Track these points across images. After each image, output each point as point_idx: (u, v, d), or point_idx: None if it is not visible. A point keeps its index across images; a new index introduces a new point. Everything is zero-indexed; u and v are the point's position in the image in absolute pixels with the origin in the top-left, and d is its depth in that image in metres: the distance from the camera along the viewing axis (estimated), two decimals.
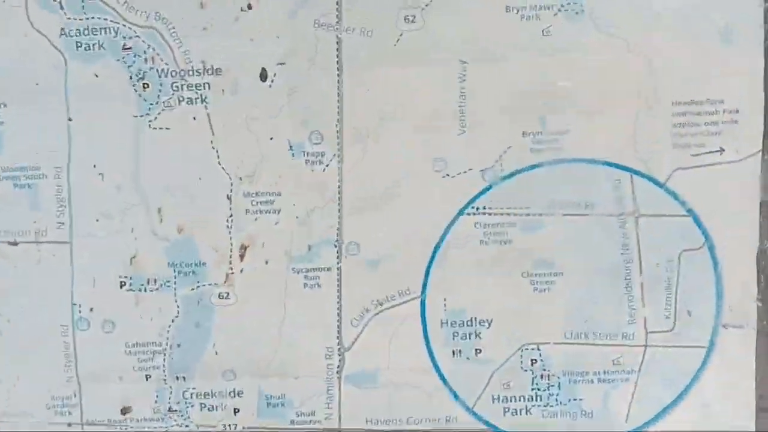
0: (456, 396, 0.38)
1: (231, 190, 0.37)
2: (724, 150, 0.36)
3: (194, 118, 0.36)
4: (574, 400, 0.38)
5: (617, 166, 0.36)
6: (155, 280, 0.37)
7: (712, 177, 0.36)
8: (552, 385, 0.38)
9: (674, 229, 0.37)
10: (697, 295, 0.37)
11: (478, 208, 0.37)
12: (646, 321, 0.37)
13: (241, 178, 0.37)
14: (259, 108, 0.36)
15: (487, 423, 0.39)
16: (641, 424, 0.38)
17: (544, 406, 0.38)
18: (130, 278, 0.37)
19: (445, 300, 0.38)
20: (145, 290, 0.38)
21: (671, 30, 0.35)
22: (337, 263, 0.37)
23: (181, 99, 0.36)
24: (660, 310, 0.37)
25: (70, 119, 0.36)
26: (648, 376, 0.38)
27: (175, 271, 0.37)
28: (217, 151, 0.37)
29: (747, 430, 0.38)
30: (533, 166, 0.36)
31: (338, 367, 0.38)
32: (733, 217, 0.36)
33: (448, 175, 0.37)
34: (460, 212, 0.37)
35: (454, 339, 0.38)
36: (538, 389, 0.38)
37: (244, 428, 0.39)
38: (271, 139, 0.36)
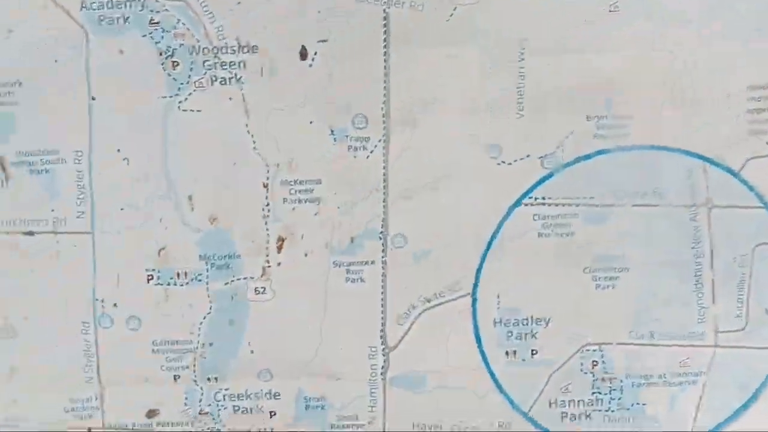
0: (510, 400, 0.43)
1: (267, 178, 0.41)
2: None
3: (230, 99, 0.40)
4: (638, 404, 0.43)
5: (689, 153, 0.40)
6: (185, 274, 0.42)
7: None
8: (614, 389, 0.43)
9: (748, 221, 0.41)
10: None
11: (536, 198, 0.41)
12: (717, 320, 0.42)
13: (278, 165, 0.41)
14: (299, 89, 0.40)
15: (543, 429, 0.43)
16: (709, 430, 0.43)
17: (606, 410, 0.43)
18: (158, 272, 0.41)
19: (498, 297, 0.42)
20: (175, 284, 0.42)
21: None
22: (382, 256, 0.42)
23: (213, 79, 0.40)
24: (731, 308, 0.42)
25: (93, 98, 0.40)
26: (717, 378, 0.42)
27: (207, 264, 0.41)
28: (252, 136, 0.40)
29: None
30: (598, 153, 0.41)
31: (383, 368, 0.43)
32: None
33: (503, 162, 0.41)
34: (517, 202, 0.41)
35: (508, 339, 0.43)
36: (599, 393, 0.43)
37: None
38: (311, 122, 0.40)
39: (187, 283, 0.42)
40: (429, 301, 0.42)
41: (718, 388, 0.43)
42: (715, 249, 0.41)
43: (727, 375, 0.42)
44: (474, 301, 0.42)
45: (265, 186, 0.41)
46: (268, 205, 0.41)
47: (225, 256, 0.41)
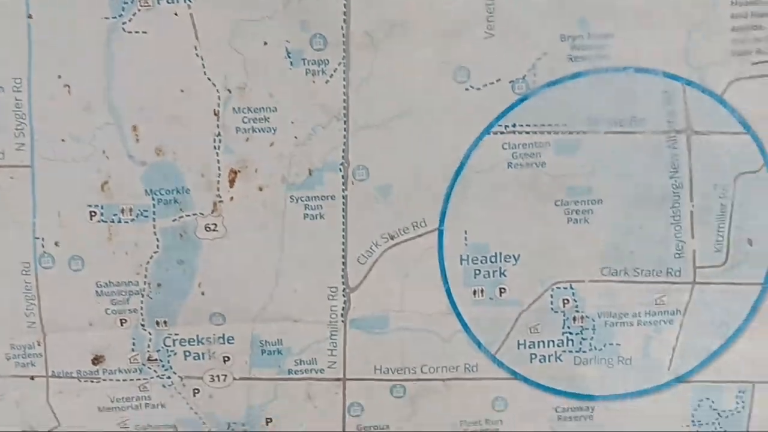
0: (477, 341, 0.41)
1: (218, 105, 0.38)
2: None
3: (176, 14, 0.37)
4: (611, 345, 0.41)
5: (668, 75, 0.38)
6: (130, 210, 0.39)
7: None
8: (586, 329, 0.41)
9: (730, 148, 0.39)
10: (754, 224, 0.39)
11: (506, 126, 0.39)
12: (695, 254, 0.40)
13: (230, 91, 0.38)
14: (252, 7, 0.37)
15: (511, 371, 0.41)
16: (685, 372, 0.41)
17: (577, 352, 0.41)
18: (102, 208, 0.39)
19: (465, 233, 0.40)
20: (119, 221, 0.39)
21: None
22: (343, 191, 0.39)
23: None
24: (711, 242, 0.40)
25: (30, 16, 0.37)
26: (695, 317, 0.40)
27: (153, 199, 0.39)
28: (202, 59, 0.38)
29: None
30: (572, 76, 0.38)
31: (343, 309, 0.40)
32: None
33: (472, 87, 0.38)
34: (486, 131, 0.39)
35: (475, 277, 0.40)
36: (570, 333, 0.41)
37: (235, 378, 0.41)
38: (266, 44, 0.37)
39: (133, 220, 0.39)
40: (392, 238, 0.40)
41: (696, 328, 0.41)
42: (694, 179, 0.39)
43: (705, 314, 0.41)
44: (440, 237, 0.40)
45: (216, 114, 0.38)
46: (219, 135, 0.38)
47: (173, 191, 0.39)
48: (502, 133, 0.39)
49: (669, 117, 0.38)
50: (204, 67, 0.38)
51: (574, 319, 0.41)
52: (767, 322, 0.40)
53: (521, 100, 0.38)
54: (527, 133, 0.39)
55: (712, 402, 0.42)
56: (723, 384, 0.41)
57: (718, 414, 0.42)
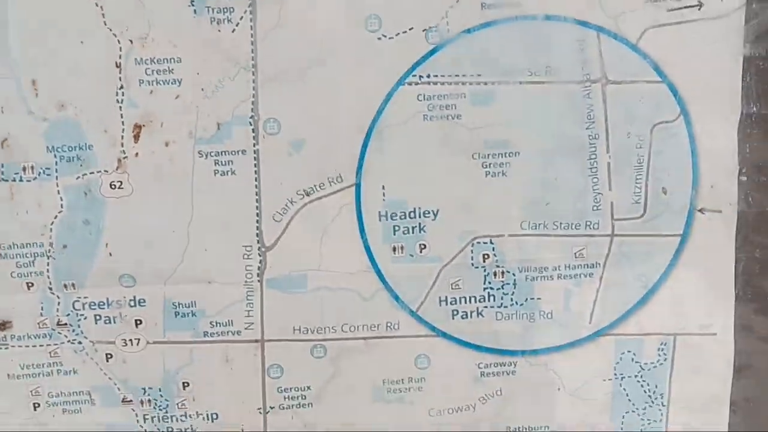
0: (397, 299, 0.40)
1: (120, 57, 0.36)
2: (703, 4, 0.37)
3: None
4: (532, 299, 0.40)
5: (581, 23, 0.37)
6: (32, 168, 0.37)
7: (690, 36, 0.37)
8: (506, 284, 0.40)
9: (646, 98, 0.38)
10: (672, 174, 0.39)
11: (420, 77, 0.37)
12: (613, 206, 0.39)
13: (131, 41, 0.36)
14: None
15: (432, 328, 0.40)
16: (606, 325, 0.40)
17: (498, 307, 0.40)
18: (2, 166, 0.37)
19: (383, 188, 0.39)
20: (21, 180, 0.37)
21: None
22: (254, 145, 0.38)
23: None
24: (629, 194, 0.39)
25: None
26: (614, 270, 0.40)
27: (55, 156, 0.37)
28: (101, 8, 0.36)
29: (724, 330, 0.40)
30: (485, 25, 0.37)
31: (259, 269, 0.39)
32: (713, 81, 0.38)
33: (384, 36, 0.37)
34: (400, 81, 0.37)
35: (394, 234, 0.39)
36: (491, 288, 0.40)
37: (149, 342, 0.40)
38: None
39: (35, 179, 0.37)
40: (308, 194, 0.38)
41: (616, 281, 0.40)
42: (610, 129, 0.38)
43: (625, 267, 0.40)
44: (357, 193, 0.39)
45: (118, 66, 0.36)
46: (121, 88, 0.37)
47: (75, 147, 0.37)
48: (416, 84, 0.37)
49: (584, 66, 0.38)
50: (104, 17, 0.36)
51: (495, 274, 0.40)
52: (687, 273, 0.40)
53: (435, 50, 0.37)
54: (442, 84, 0.38)
55: (634, 355, 0.41)
56: (644, 336, 0.41)
57: (641, 367, 0.41)
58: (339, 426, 0.41)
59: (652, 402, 0.42)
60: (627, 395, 0.42)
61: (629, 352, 0.41)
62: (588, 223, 0.39)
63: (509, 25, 0.37)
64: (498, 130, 0.38)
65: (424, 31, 0.37)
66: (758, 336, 0.40)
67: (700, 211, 0.39)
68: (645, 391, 0.42)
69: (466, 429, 0.42)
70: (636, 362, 0.41)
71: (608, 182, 0.39)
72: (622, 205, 0.39)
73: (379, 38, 0.37)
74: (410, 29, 0.37)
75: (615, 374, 0.41)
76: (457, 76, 0.37)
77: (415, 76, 0.37)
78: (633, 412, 0.42)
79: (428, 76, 0.37)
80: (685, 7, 0.37)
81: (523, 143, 0.38)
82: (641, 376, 0.41)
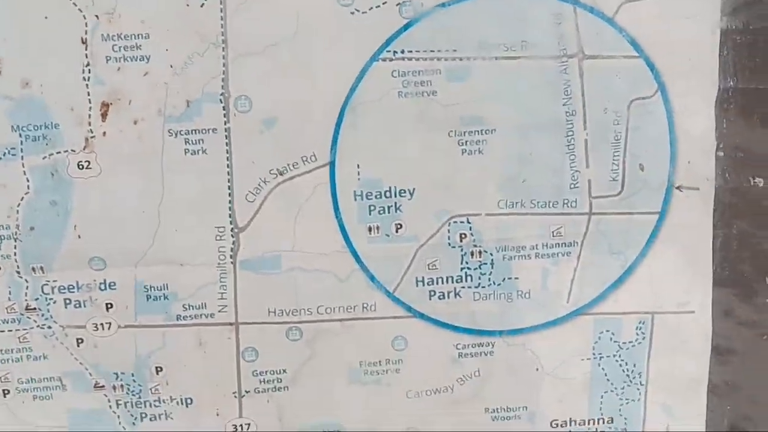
0: (373, 280, 0.39)
1: (86, 33, 0.35)
2: None
3: None
4: (509, 279, 0.39)
5: None
6: None
7: (667, 10, 0.36)
8: (484, 263, 0.39)
9: (623, 73, 0.37)
10: (649, 151, 0.38)
11: (395, 53, 0.36)
12: (591, 184, 0.38)
13: (97, 17, 0.35)
14: None
15: (409, 309, 0.39)
16: (584, 305, 0.40)
17: (476, 287, 0.39)
18: None
19: (358, 167, 0.38)
20: None
21: None
22: (225, 123, 0.36)
23: None
24: (606, 171, 0.38)
25: None
26: (592, 249, 0.39)
27: (21, 136, 0.36)
28: None
29: (702, 308, 0.40)
30: None
31: (232, 250, 0.38)
32: (691, 56, 0.37)
33: (357, 11, 0.36)
34: (374, 57, 0.36)
35: (370, 213, 0.38)
36: (469, 268, 0.39)
37: (120, 326, 0.39)
38: None
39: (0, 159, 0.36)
40: (281, 174, 0.37)
41: (593, 260, 0.39)
42: (588, 105, 0.37)
43: (603, 245, 0.39)
44: (332, 172, 0.38)
45: (84, 42, 0.35)
46: (88, 65, 0.36)
47: (41, 126, 0.36)
48: (390, 60, 0.36)
49: (560, 41, 0.37)
50: None
51: (472, 253, 0.39)
52: (665, 251, 0.39)
53: (409, 25, 0.36)
54: (417, 59, 0.37)
55: (612, 334, 0.40)
56: (622, 315, 0.40)
57: (619, 346, 0.41)
58: (315, 409, 0.40)
59: (631, 381, 0.41)
60: (605, 375, 0.41)
61: (607, 331, 0.40)
62: (565, 201, 0.38)
63: (483, 0, 0.36)
64: (474, 106, 0.37)
65: (397, 5, 0.36)
66: (739, 320, 0.40)
67: (677, 188, 0.38)
68: (623, 371, 0.41)
69: (444, 410, 0.41)
70: (614, 341, 0.40)
71: (585, 159, 0.38)
72: (599, 182, 0.38)
73: (352, 12, 0.36)
74: (384, 3, 0.36)
75: (593, 354, 0.41)
76: (431, 51, 0.36)
77: (389, 51, 0.36)
78: (611, 391, 0.41)
79: (402, 52, 0.36)
80: None
81: (499, 120, 0.37)
82: (619, 356, 0.41)
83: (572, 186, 0.38)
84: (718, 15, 0.36)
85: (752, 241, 0.39)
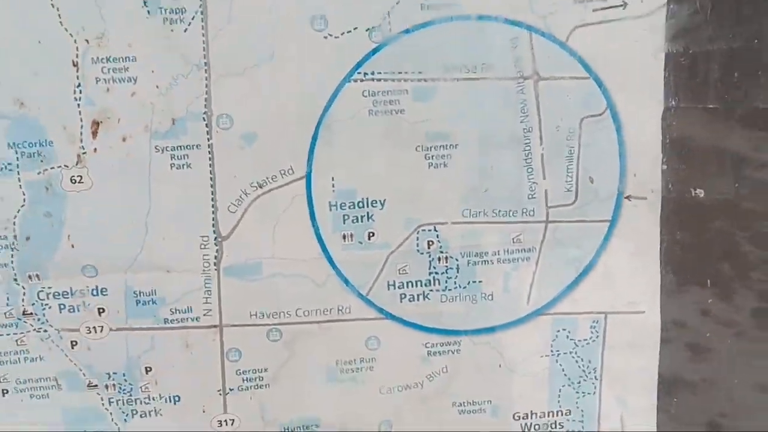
0: (348, 284, 0.40)
1: (77, 56, 0.36)
2: (627, 3, 0.38)
3: None
4: (474, 282, 0.41)
5: (511, 22, 0.37)
6: None
7: (615, 34, 0.38)
8: (450, 268, 0.41)
9: (575, 93, 0.39)
10: (600, 164, 0.40)
11: (365, 74, 0.38)
12: (547, 194, 0.40)
13: (87, 41, 0.36)
14: None
15: (381, 311, 0.41)
16: (543, 305, 0.41)
17: (443, 290, 0.41)
18: None
19: (333, 179, 0.39)
20: None
21: None
22: (208, 139, 0.38)
23: None
24: (561, 182, 0.40)
25: None
26: (549, 254, 0.41)
27: (17, 152, 0.37)
28: (57, 9, 0.36)
29: (651, 308, 0.42)
30: (424, 25, 0.37)
31: (216, 258, 0.39)
32: (637, 77, 0.38)
33: (330, 35, 0.37)
34: (346, 79, 0.38)
35: (344, 222, 0.40)
36: (436, 273, 0.41)
37: (112, 329, 0.40)
38: None
39: None
40: (261, 186, 0.39)
41: (550, 264, 0.41)
42: (543, 122, 0.39)
43: (559, 250, 0.41)
44: (308, 184, 0.39)
45: (75, 65, 0.36)
46: (79, 86, 0.37)
47: (36, 144, 0.37)
48: (361, 80, 0.38)
49: (516, 63, 0.38)
50: (60, 17, 0.36)
51: (439, 259, 0.41)
52: (616, 256, 0.41)
53: (378, 49, 0.38)
54: (385, 80, 0.38)
55: (569, 332, 0.42)
56: (578, 315, 0.42)
57: (575, 343, 0.42)
58: (295, 405, 0.42)
59: (586, 376, 0.43)
60: (563, 370, 0.43)
61: (564, 330, 0.42)
62: (524, 210, 0.40)
63: (446, 25, 0.37)
64: (439, 123, 0.39)
65: (367, 30, 0.37)
66: (716, 320, 0.41)
67: (627, 197, 0.40)
68: (579, 366, 0.43)
69: (415, 405, 0.42)
70: (571, 339, 0.42)
71: (542, 172, 0.40)
72: (555, 193, 0.40)
73: (326, 37, 0.37)
74: (354, 29, 0.37)
75: (552, 351, 0.42)
76: (399, 73, 0.38)
77: (360, 73, 0.38)
78: (569, 385, 0.43)
79: (372, 74, 0.38)
80: (610, 7, 0.38)
81: (462, 136, 0.39)
82: (576, 352, 0.42)
83: (530, 196, 0.40)
84: (662, 40, 0.38)
85: (694, 246, 0.41)
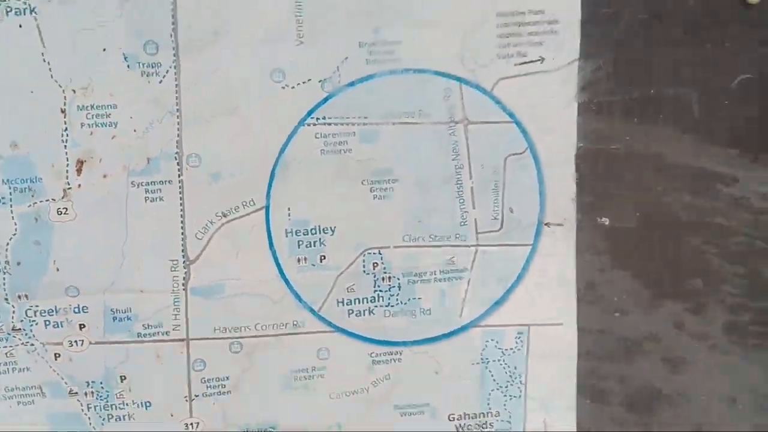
0: (302, 301, 0.45)
1: (65, 104, 0.41)
2: (544, 59, 0.43)
3: (20, 26, 0.39)
4: (414, 299, 0.46)
5: (447, 75, 0.43)
6: None
7: (534, 85, 0.43)
8: (393, 287, 0.46)
9: (500, 135, 0.44)
10: (522, 196, 0.45)
11: (318, 119, 0.43)
12: (477, 222, 0.45)
13: (74, 91, 0.40)
14: (91, 17, 0.40)
15: (332, 325, 0.46)
16: (474, 319, 0.47)
17: (386, 306, 0.46)
18: None
19: (289, 210, 0.44)
20: None
21: None
22: (179, 176, 0.42)
23: (8, 10, 0.39)
24: (489, 212, 0.45)
25: None
26: (479, 274, 0.46)
27: (10, 188, 0.41)
28: (48, 64, 0.40)
29: (568, 321, 0.47)
30: (368, 77, 0.43)
31: (184, 279, 0.44)
32: (553, 121, 0.43)
33: (287, 86, 0.42)
34: (300, 123, 0.43)
35: (299, 247, 0.44)
36: (380, 291, 0.46)
37: (91, 343, 0.44)
38: (104, 50, 0.40)
39: None
40: (225, 215, 0.43)
41: (480, 282, 0.46)
42: (472, 160, 0.44)
43: (487, 271, 0.45)
44: (267, 214, 0.44)
45: (63, 112, 0.41)
46: (66, 130, 0.41)
47: (27, 180, 0.41)
48: (314, 125, 0.43)
49: (449, 110, 0.43)
50: (50, 71, 0.40)
51: (383, 279, 0.45)
52: (537, 276, 0.46)
53: (329, 97, 0.43)
54: (335, 124, 0.43)
55: (497, 342, 0.47)
56: (505, 327, 0.47)
57: (502, 352, 0.47)
58: (254, 409, 0.46)
59: (513, 381, 0.47)
60: (492, 376, 0.47)
61: (493, 340, 0.46)
62: (457, 235, 0.45)
63: (388, 78, 0.43)
64: (382, 161, 0.43)
65: (319, 81, 0.42)
66: (690, 334, 0.46)
67: (546, 224, 0.45)
68: (506, 372, 0.47)
69: (361, 408, 0.47)
70: (498, 348, 0.47)
71: (472, 203, 0.45)
72: (483, 221, 0.45)
73: (283, 87, 0.42)
74: (308, 80, 0.42)
75: (482, 359, 0.47)
76: (347, 118, 0.43)
77: (313, 118, 0.43)
78: (497, 390, 0.47)
79: (324, 118, 0.43)
80: (530, 62, 0.44)
81: (402, 172, 0.44)
82: (503, 360, 0.47)
83: (462, 224, 0.45)
84: (574, 90, 0.44)
85: (604, 265, 0.47)
